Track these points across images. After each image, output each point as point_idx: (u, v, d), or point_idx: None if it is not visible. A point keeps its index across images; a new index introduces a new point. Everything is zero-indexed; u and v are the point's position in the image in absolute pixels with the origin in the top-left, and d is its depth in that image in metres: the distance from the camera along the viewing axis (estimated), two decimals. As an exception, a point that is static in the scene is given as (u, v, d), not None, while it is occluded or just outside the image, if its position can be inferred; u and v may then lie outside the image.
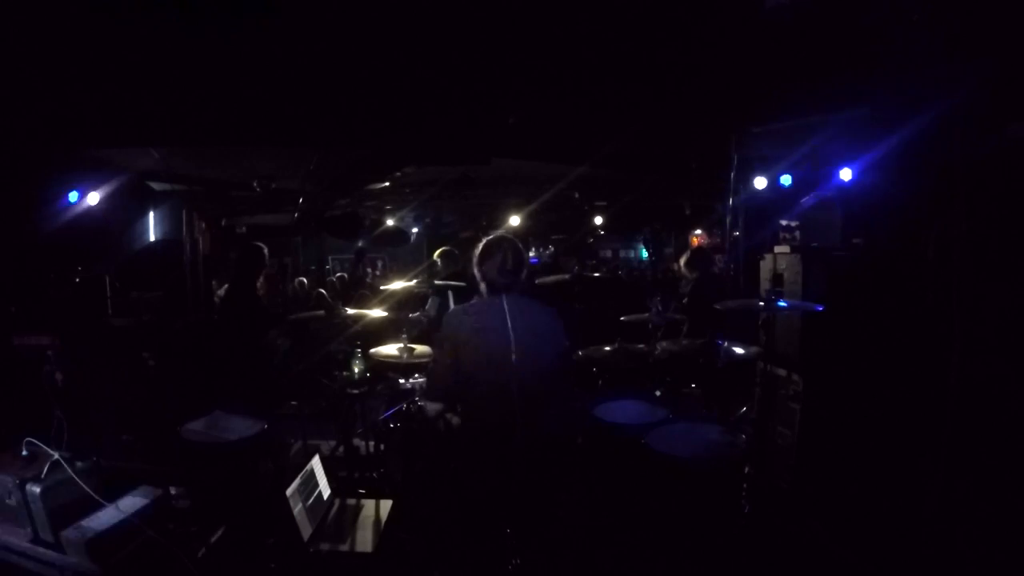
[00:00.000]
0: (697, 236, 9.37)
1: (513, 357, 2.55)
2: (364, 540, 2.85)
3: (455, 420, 3.05)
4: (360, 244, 10.32)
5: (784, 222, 5.26)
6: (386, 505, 3.12)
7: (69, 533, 2.56)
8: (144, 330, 5.64)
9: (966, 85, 3.00)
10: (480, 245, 2.80)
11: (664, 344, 3.75)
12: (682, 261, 5.83)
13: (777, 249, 4.34)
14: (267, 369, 4.98)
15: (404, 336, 3.92)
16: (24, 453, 2.76)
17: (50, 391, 3.56)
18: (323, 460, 3.27)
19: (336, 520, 3.02)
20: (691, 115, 5.11)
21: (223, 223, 11.07)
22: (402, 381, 3.76)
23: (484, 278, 2.74)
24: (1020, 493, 2.80)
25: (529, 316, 2.68)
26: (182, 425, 3.28)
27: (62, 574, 2.57)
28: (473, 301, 2.83)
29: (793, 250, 4.20)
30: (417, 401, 3.52)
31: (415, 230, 12.15)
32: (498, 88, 4.55)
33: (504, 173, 7.28)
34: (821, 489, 3.59)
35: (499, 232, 2.95)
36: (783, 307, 3.24)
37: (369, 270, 12.11)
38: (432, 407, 2.84)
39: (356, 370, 3.97)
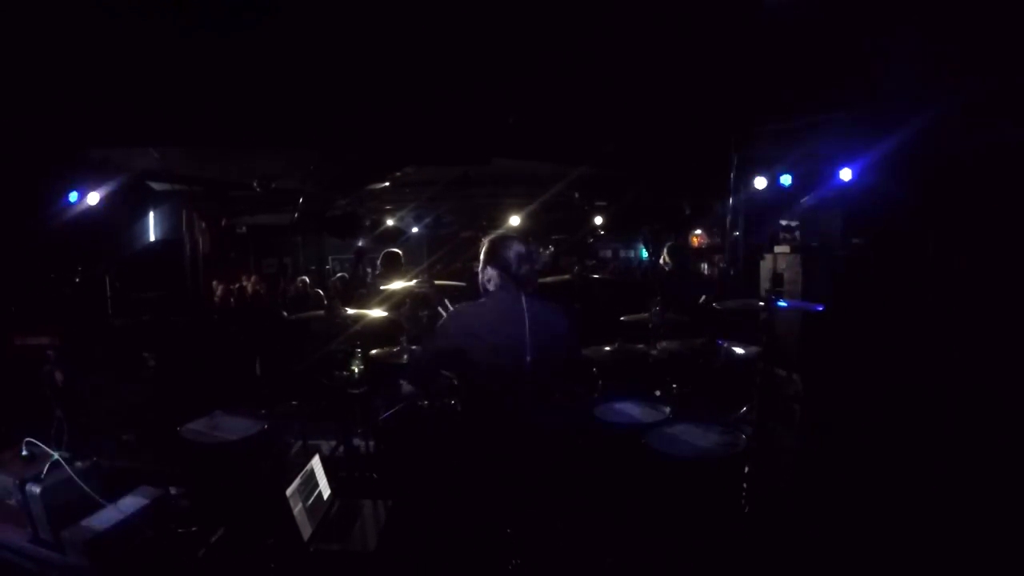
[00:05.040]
0: (697, 236, 9.36)
1: (528, 356, 2.55)
2: (364, 540, 2.85)
3: (449, 401, 3.02)
4: (360, 244, 10.32)
5: (784, 222, 5.26)
6: (386, 505, 3.12)
7: (69, 533, 2.56)
8: (144, 330, 5.64)
9: (966, 86, 3.00)
10: (489, 242, 2.75)
11: (664, 344, 3.75)
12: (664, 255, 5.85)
13: (777, 249, 4.34)
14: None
15: (404, 336, 3.92)
16: (24, 453, 2.75)
17: (50, 391, 3.57)
18: (323, 460, 3.27)
19: (336, 520, 3.02)
20: (691, 115, 5.11)
21: (223, 223, 11.07)
22: (402, 381, 3.75)
23: (500, 274, 2.68)
24: (1021, 492, 2.81)
25: (544, 316, 2.68)
26: (182, 425, 3.28)
27: (62, 574, 2.57)
28: (485, 299, 2.79)
29: (793, 250, 4.20)
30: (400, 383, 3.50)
31: (415, 230, 12.13)
32: (498, 88, 4.55)
33: (504, 173, 7.28)
34: (821, 489, 3.59)
35: (501, 231, 2.94)
36: (783, 307, 3.24)
37: (369, 270, 12.09)
38: (407, 387, 2.84)
39: (356, 370, 3.96)
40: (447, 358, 2.67)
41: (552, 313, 2.75)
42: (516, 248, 2.68)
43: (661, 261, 5.71)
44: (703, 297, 4.89)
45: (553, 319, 2.73)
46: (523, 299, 2.64)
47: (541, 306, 2.71)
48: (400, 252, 5.65)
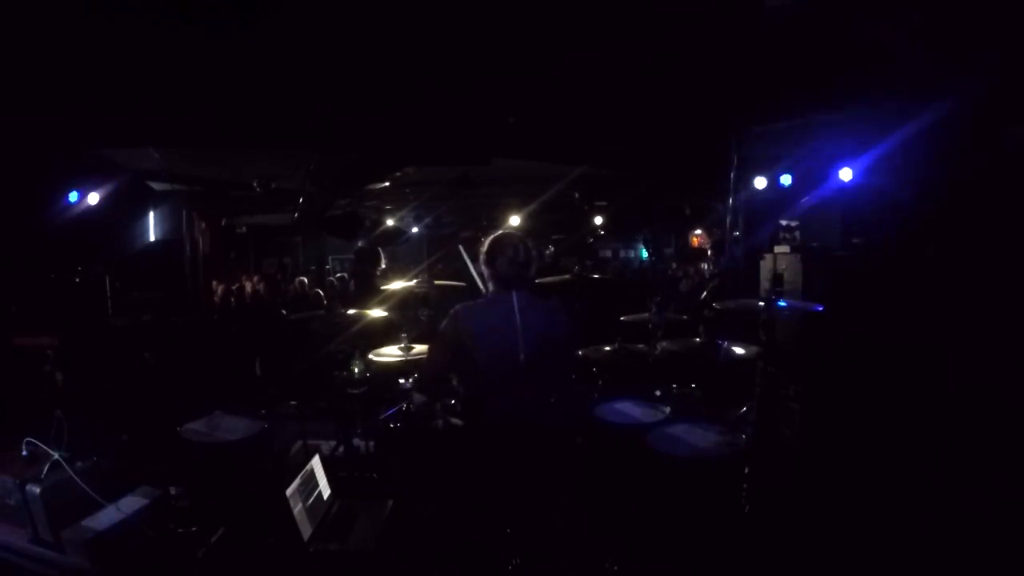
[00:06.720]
0: (697, 236, 9.37)
1: (521, 356, 2.56)
2: (364, 540, 2.85)
3: (456, 421, 3.06)
4: (360, 244, 10.34)
5: (784, 222, 5.26)
6: (386, 505, 3.12)
7: (69, 533, 2.56)
8: (144, 330, 5.64)
9: (966, 86, 3.00)
10: (488, 241, 2.79)
11: (664, 344, 3.75)
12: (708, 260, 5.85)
13: (777, 249, 4.34)
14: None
15: (404, 336, 3.92)
16: (24, 453, 2.75)
17: (50, 391, 3.56)
18: (323, 460, 3.27)
19: (336, 520, 3.02)
20: (691, 115, 5.11)
21: (223, 223, 11.08)
22: (402, 381, 3.75)
23: (495, 274, 2.73)
24: (1020, 493, 2.81)
25: (536, 313, 2.69)
26: (182, 425, 3.28)
27: (62, 574, 2.57)
28: (481, 299, 2.84)
29: (793, 250, 4.20)
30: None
31: (415, 230, 12.14)
32: (498, 88, 4.55)
33: (504, 173, 7.28)
34: (821, 489, 3.58)
35: (504, 229, 2.97)
36: (783, 307, 3.24)
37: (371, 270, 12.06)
38: (419, 397, 2.90)
39: (356, 370, 3.96)
40: (451, 361, 2.70)
41: (548, 312, 2.75)
42: (505, 249, 2.70)
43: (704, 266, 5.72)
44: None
45: (549, 318, 2.74)
46: (514, 299, 2.65)
47: (537, 305, 2.72)
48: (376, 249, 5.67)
